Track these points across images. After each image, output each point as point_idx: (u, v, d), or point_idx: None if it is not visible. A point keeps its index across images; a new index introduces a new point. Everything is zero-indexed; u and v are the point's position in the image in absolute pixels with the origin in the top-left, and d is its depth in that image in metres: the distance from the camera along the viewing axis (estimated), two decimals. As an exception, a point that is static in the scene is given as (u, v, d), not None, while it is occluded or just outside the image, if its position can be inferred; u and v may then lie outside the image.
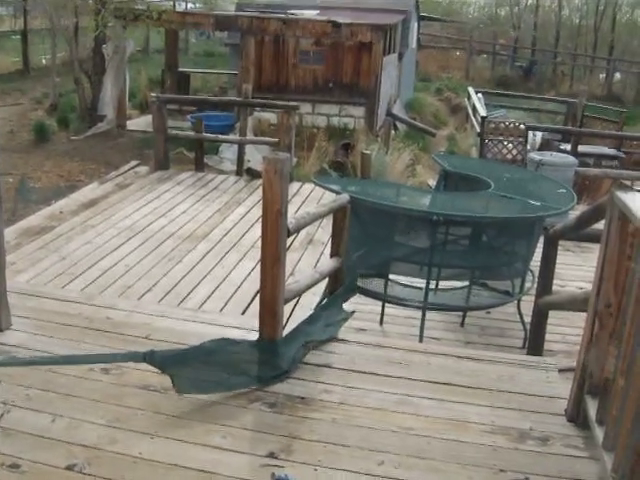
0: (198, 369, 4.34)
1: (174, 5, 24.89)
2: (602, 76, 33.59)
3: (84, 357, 4.45)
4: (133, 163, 12.07)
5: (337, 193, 6.00)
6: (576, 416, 4.10)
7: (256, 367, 4.54)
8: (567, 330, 6.29)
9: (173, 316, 5.50)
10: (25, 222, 8.79)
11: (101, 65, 16.34)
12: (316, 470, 3.65)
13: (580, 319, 4.40)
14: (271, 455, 3.76)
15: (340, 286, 5.72)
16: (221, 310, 6.22)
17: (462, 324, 6.90)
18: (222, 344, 4.53)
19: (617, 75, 33.39)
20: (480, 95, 18.25)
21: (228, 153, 13.84)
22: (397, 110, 19.24)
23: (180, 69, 19.88)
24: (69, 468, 3.60)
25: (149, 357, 4.22)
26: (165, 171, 11.42)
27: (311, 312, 5.36)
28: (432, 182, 12.49)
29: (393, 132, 17.49)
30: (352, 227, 5.80)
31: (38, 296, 5.73)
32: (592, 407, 3.88)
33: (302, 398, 4.32)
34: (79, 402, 4.21)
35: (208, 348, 4.47)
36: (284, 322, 4.82)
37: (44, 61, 24.14)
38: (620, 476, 3.20)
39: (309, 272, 5.92)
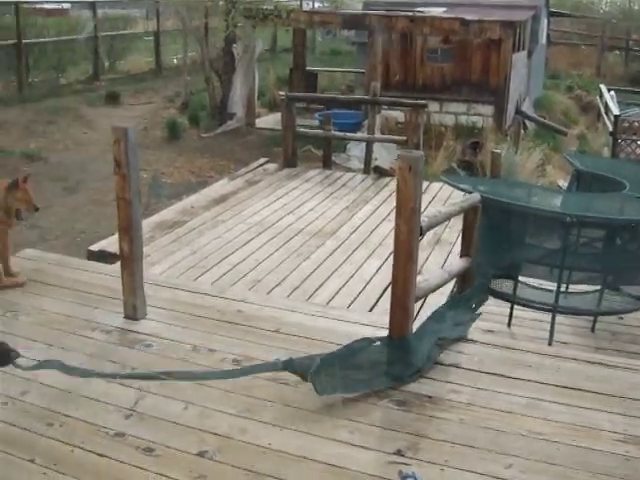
0: (337, 372, 4.37)
1: (301, 4, 25.22)
2: None
3: (225, 372, 4.47)
4: (262, 160, 12.26)
5: (468, 192, 5.94)
6: None
7: (392, 366, 4.54)
8: None
9: (302, 311, 5.57)
10: (158, 216, 9.07)
11: (231, 64, 16.67)
12: (443, 470, 3.63)
13: None
14: (398, 453, 3.76)
15: (468, 287, 5.68)
16: (348, 307, 6.25)
17: (592, 329, 6.71)
18: (357, 346, 4.56)
19: None
20: (612, 93, 17.62)
21: (355, 151, 13.89)
22: (526, 108, 18.84)
23: (308, 68, 20.08)
24: (200, 455, 3.71)
25: (289, 365, 4.28)
26: (293, 168, 11.56)
27: (435, 310, 5.33)
28: (562, 183, 12.21)
29: (522, 131, 17.16)
30: (482, 227, 5.74)
31: (172, 287, 5.92)
32: None
33: (430, 397, 4.30)
34: (211, 392, 4.33)
35: (345, 351, 4.50)
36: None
37: (175, 61, 24.87)
38: None
39: (439, 271, 5.89)
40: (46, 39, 20.87)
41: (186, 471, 3.57)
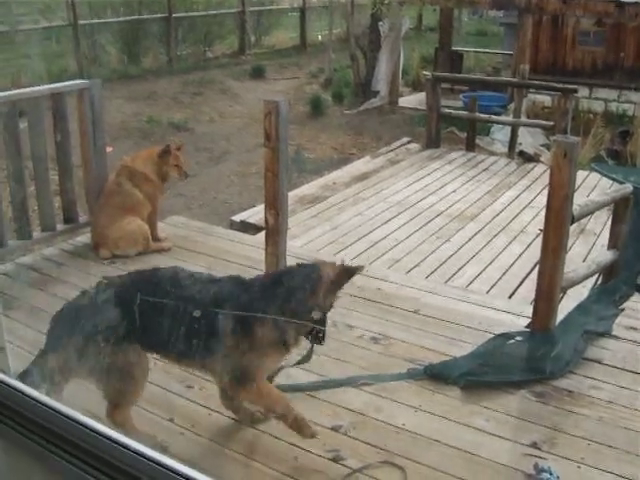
0: (481, 371, 4.33)
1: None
2: None
3: (368, 377, 4.34)
4: (404, 140, 12.21)
5: (619, 182, 5.74)
6: None
7: (537, 361, 4.45)
8: None
9: (442, 293, 5.55)
10: (300, 190, 9.18)
11: (376, 42, 16.59)
12: (579, 468, 3.55)
13: None
14: (534, 445, 3.71)
15: (614, 280, 5.50)
16: (487, 292, 6.15)
17: None
18: (497, 343, 4.50)
19: None
20: None
21: (499, 134, 13.60)
22: (682, 98, 17.97)
23: (453, 48, 19.80)
24: (334, 429, 3.76)
25: (430, 371, 4.27)
26: (436, 149, 11.45)
27: (580, 302, 5.20)
28: None
29: (677, 121, 16.39)
30: (632, 219, 5.54)
31: (312, 261, 5.98)
32: None
33: (569, 391, 4.20)
34: (347, 367, 4.38)
35: (485, 349, 4.45)
36: (555, 312, 4.71)
37: (320, 37, 24.99)
38: None
39: (585, 263, 5.73)
40: (195, 13, 21.44)
41: (320, 444, 3.62)
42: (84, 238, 6.40)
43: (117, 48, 19.63)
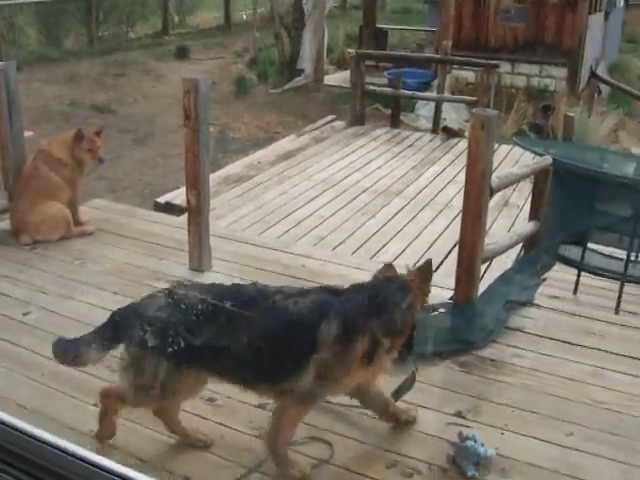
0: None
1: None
2: None
3: None
4: (329, 117, 12.22)
5: (540, 155, 5.82)
6: None
7: (461, 331, 4.50)
8: None
9: (368, 269, 5.50)
10: (225, 170, 9.13)
11: (301, 20, 16.52)
12: (503, 434, 3.61)
13: None
14: (458, 414, 3.75)
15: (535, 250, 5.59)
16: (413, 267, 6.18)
17: (663, 300, 6.57)
18: (422, 315, 4.50)
19: None
20: (693, 58, 17.04)
21: (424, 111, 13.71)
22: (600, 72, 18.34)
23: (378, 25, 19.83)
24: (261, 407, 3.72)
25: None
26: (361, 126, 11.49)
27: (502, 273, 5.27)
28: (636, 150, 11.88)
29: (596, 95, 16.71)
30: (552, 191, 5.63)
31: (237, 241, 5.96)
32: None
33: (493, 360, 4.26)
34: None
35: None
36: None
37: (244, 16, 24.83)
38: None
39: (507, 234, 5.80)
40: (116, -6, 21.07)
41: (245, 422, 3.60)
42: (3, 224, 6.24)
43: (36, 30, 19.16)
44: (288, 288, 3.30)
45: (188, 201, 5.25)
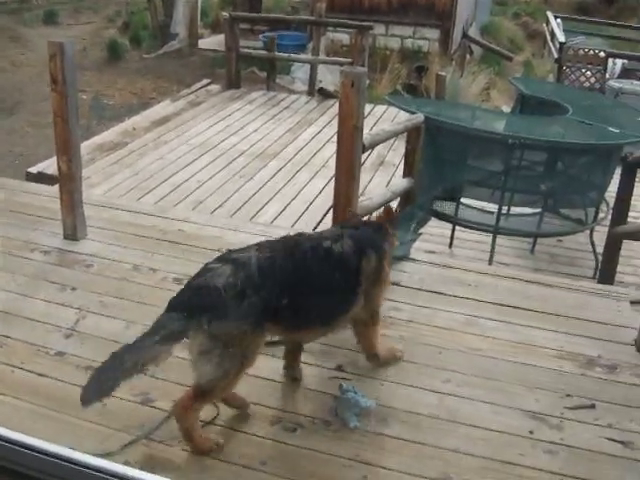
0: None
1: None
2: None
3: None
4: (205, 81, 12.08)
5: (412, 113, 5.90)
6: (646, 347, 4.05)
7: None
8: (640, 262, 6.18)
9: (246, 230, 5.54)
10: (99, 138, 8.92)
11: (173, -18, 16.24)
12: (382, 385, 3.70)
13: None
14: (339, 368, 3.82)
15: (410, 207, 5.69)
16: (292, 226, 6.23)
17: (532, 251, 6.83)
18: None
19: None
20: (559, 20, 17.55)
21: (300, 73, 13.70)
22: (472, 34, 18.71)
23: (252, -12, 19.65)
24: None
25: None
26: (236, 90, 11.40)
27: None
28: (506, 108, 12.23)
29: (468, 56, 17.07)
30: (425, 148, 5.73)
31: (113, 208, 5.83)
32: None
33: (371, 313, 4.33)
34: (152, 310, 4.26)
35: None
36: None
37: (116, -22, 24.14)
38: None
39: (382, 191, 5.88)
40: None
41: (127, 389, 3.55)
42: None
43: None
44: (327, 232, 3.73)
45: (59, 168, 5.09)
